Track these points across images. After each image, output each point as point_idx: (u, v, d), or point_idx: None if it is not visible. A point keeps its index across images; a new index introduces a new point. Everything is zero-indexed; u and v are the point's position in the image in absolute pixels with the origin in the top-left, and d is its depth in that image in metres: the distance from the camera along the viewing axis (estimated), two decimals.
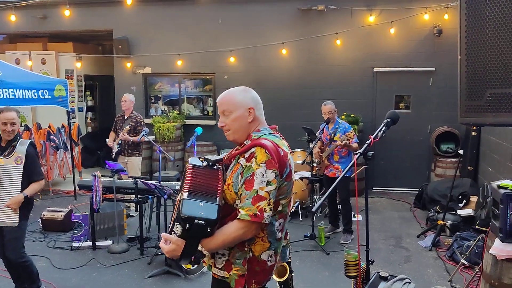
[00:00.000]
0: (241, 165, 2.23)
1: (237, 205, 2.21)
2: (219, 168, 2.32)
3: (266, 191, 2.14)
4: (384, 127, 2.99)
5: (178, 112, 10.10)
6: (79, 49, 11.31)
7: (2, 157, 4.09)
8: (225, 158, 2.37)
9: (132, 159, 7.17)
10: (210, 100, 10.13)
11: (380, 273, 3.12)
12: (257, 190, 2.14)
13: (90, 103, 12.06)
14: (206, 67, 9.84)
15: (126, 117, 7.28)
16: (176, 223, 2.13)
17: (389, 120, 3.02)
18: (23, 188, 4.12)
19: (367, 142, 2.91)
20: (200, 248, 2.17)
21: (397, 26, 8.70)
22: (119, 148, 7.16)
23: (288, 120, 9.04)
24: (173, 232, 2.16)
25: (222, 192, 2.23)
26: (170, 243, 2.16)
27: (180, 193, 2.22)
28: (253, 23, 9.44)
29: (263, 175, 2.15)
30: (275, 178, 2.16)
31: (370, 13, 8.81)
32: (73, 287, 4.85)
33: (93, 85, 12.16)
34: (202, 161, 2.32)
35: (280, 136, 2.41)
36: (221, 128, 2.39)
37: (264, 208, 2.13)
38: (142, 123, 7.23)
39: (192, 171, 2.26)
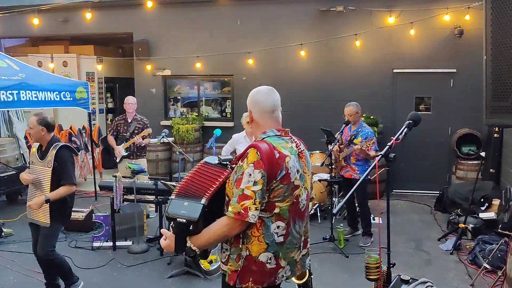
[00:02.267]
0: (238, 165, 2.36)
1: None
2: (229, 167, 2.44)
3: (252, 191, 2.23)
4: (406, 128, 2.96)
5: (197, 114, 10.16)
6: (99, 51, 11.46)
7: (40, 161, 4.32)
8: (235, 159, 2.47)
9: (140, 161, 7.15)
10: (229, 102, 10.16)
11: (401, 276, 3.09)
12: (243, 189, 2.25)
13: (110, 105, 12.22)
14: (225, 69, 9.87)
15: (130, 120, 7.18)
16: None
17: (410, 121, 2.99)
18: (52, 191, 4.24)
19: (389, 143, 2.89)
20: (188, 244, 2.30)
21: (417, 27, 8.61)
22: (127, 153, 7.09)
23: (306, 121, 9.02)
24: (171, 227, 2.37)
25: (214, 192, 2.32)
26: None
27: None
28: (271, 24, 9.44)
29: (250, 175, 2.25)
30: (261, 178, 2.24)
31: (390, 14, 8.73)
32: (94, 286, 4.91)
33: (113, 87, 12.32)
34: (215, 160, 2.47)
35: (291, 138, 2.51)
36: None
37: (249, 207, 2.22)
38: (148, 125, 7.22)
39: (199, 168, 2.43)
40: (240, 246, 2.34)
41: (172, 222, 2.30)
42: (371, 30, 8.80)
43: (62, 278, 4.58)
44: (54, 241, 4.39)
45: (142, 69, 10.27)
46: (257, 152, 2.28)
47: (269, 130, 2.47)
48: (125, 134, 7.12)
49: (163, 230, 2.41)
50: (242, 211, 2.22)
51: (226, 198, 2.40)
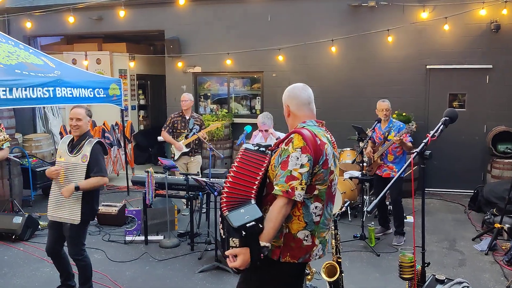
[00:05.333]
0: (281, 149, 2.54)
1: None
2: (268, 152, 2.63)
3: (299, 173, 2.43)
4: (442, 125, 2.91)
5: (227, 111, 10.21)
6: (132, 49, 11.65)
7: (71, 155, 4.24)
8: (274, 144, 2.70)
9: (198, 158, 7.18)
10: (258, 98, 10.17)
11: (436, 276, 3.03)
12: (291, 171, 2.43)
13: (142, 102, 12.41)
14: (255, 66, 9.88)
15: (188, 117, 7.16)
16: (230, 238, 2.44)
17: (447, 118, 2.94)
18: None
19: (424, 141, 2.84)
20: (262, 244, 2.38)
21: (452, 22, 8.41)
22: (188, 149, 7.03)
23: (336, 118, 8.93)
24: (231, 248, 2.45)
25: (261, 179, 2.52)
26: (236, 257, 2.43)
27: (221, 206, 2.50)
28: (302, 20, 9.39)
29: (298, 158, 2.44)
30: (308, 162, 2.44)
31: (423, 9, 8.56)
32: (127, 279, 5.01)
33: (145, 84, 12.51)
34: (253, 146, 2.66)
35: (326, 130, 2.74)
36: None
37: (296, 187, 2.41)
38: (203, 126, 7.22)
39: (242, 155, 2.61)
40: (283, 224, 2.50)
41: (242, 232, 2.36)
42: (403, 25, 8.65)
43: (83, 280, 4.40)
44: (83, 239, 4.34)
45: (173, 66, 10.39)
46: (302, 138, 2.47)
47: (309, 120, 2.70)
48: (183, 131, 7.06)
49: (228, 252, 2.46)
50: (289, 189, 2.41)
51: (267, 180, 2.59)
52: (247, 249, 2.40)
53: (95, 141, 4.30)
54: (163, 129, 7.19)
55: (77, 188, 4.12)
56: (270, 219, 2.43)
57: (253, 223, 2.35)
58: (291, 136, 2.52)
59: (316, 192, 2.55)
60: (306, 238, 2.56)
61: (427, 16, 8.55)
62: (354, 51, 9.12)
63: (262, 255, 2.41)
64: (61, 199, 4.22)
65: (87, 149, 4.22)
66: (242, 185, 2.49)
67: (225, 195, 2.48)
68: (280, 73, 9.61)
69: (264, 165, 2.57)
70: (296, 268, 2.63)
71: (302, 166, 2.43)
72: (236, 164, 2.57)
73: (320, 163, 2.52)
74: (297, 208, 2.51)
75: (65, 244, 4.41)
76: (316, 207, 2.56)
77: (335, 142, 2.77)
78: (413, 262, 2.93)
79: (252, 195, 2.46)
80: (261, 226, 2.39)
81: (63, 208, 4.23)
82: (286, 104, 2.76)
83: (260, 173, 2.52)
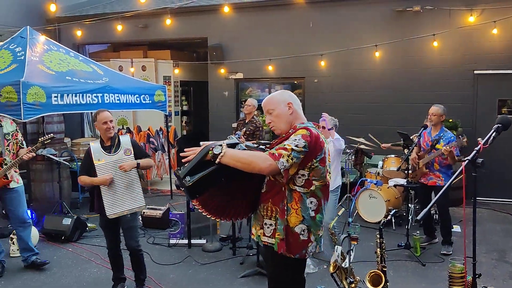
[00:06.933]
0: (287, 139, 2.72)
1: (277, 179, 2.74)
2: (266, 150, 2.76)
3: (291, 148, 2.61)
4: (495, 132, 2.83)
5: None
6: (176, 56, 11.89)
7: (111, 154, 4.45)
8: (273, 142, 2.87)
9: None
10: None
11: None
12: (285, 144, 2.65)
13: (185, 108, 12.64)
14: (296, 72, 9.88)
15: (247, 121, 7.34)
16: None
17: (500, 125, 2.86)
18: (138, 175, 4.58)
19: (476, 148, 2.77)
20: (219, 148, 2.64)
21: (501, 26, 8.14)
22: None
23: (379, 124, 8.80)
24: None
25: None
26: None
27: None
28: (345, 25, 9.33)
29: (296, 140, 2.65)
30: (303, 147, 2.63)
31: (471, 13, 8.33)
32: (171, 282, 5.09)
33: (188, 90, 12.73)
34: (254, 144, 2.93)
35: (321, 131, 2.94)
36: (268, 125, 2.95)
37: (283, 155, 2.60)
38: (261, 128, 7.30)
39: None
40: (285, 218, 2.72)
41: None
42: (450, 30, 8.43)
43: (142, 271, 4.69)
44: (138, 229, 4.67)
45: (215, 73, 10.53)
46: (307, 131, 2.70)
47: (307, 122, 2.88)
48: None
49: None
50: (276, 153, 2.61)
51: (267, 178, 2.82)
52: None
53: (125, 135, 4.74)
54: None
55: (138, 165, 4.47)
56: (245, 151, 2.71)
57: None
58: (297, 129, 2.75)
59: (312, 188, 2.74)
60: (302, 233, 2.74)
61: (474, 20, 8.32)
62: (398, 56, 8.98)
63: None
64: (120, 194, 4.43)
65: (125, 142, 4.52)
66: None
67: None
68: (322, 79, 9.57)
69: None
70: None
71: (296, 146, 2.62)
72: None
73: (318, 159, 2.71)
74: (294, 201, 2.72)
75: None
76: (311, 202, 2.74)
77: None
78: (463, 273, 2.85)
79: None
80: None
81: (125, 200, 4.46)
82: (289, 102, 2.88)
83: None
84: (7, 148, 5.21)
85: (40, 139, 5.13)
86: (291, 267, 2.81)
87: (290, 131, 2.80)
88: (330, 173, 2.87)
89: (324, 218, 2.84)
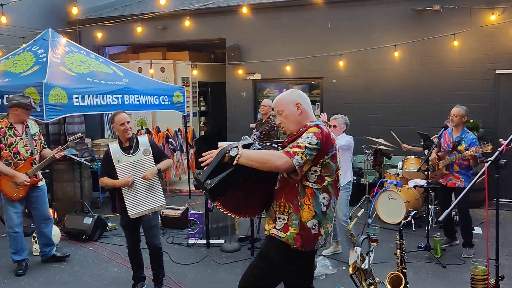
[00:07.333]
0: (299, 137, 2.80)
1: (291, 177, 2.80)
2: (279, 148, 2.87)
3: (305, 146, 2.70)
4: None
5: None
6: (194, 57, 11.97)
7: (130, 155, 4.53)
8: (285, 141, 2.94)
9: None
10: (317, 104, 10.12)
11: None
12: (298, 142, 2.73)
13: (203, 108, 12.71)
14: (314, 72, 9.85)
15: (263, 121, 7.44)
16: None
17: None
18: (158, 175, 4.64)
19: (499, 149, 2.74)
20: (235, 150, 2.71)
21: None
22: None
23: (399, 125, 8.71)
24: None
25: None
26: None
27: None
28: (363, 25, 9.27)
29: (308, 137, 2.74)
30: (315, 144, 2.72)
31: (492, 12, 8.20)
32: (190, 281, 5.13)
33: (206, 91, 12.80)
34: (265, 143, 3.00)
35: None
36: (279, 125, 3.06)
37: (297, 153, 2.68)
38: (276, 128, 7.35)
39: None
40: (299, 213, 2.81)
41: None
42: (470, 29, 8.31)
43: (161, 270, 4.76)
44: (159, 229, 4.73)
45: (233, 74, 10.56)
46: (318, 129, 2.77)
47: (317, 120, 2.95)
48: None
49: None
50: (291, 151, 2.69)
51: (280, 175, 2.91)
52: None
53: (144, 135, 4.79)
54: None
55: (159, 170, 4.55)
56: (261, 151, 2.79)
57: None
58: (309, 127, 2.82)
59: (325, 184, 2.84)
60: (314, 227, 2.83)
61: (495, 19, 8.18)
62: (418, 56, 8.88)
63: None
64: (141, 194, 4.50)
65: (143, 142, 4.59)
66: None
67: None
68: (340, 79, 9.52)
69: None
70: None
71: (309, 143, 2.71)
72: None
73: (330, 155, 2.81)
74: (307, 197, 2.81)
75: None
76: (324, 198, 2.85)
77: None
78: (486, 275, 2.82)
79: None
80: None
81: (146, 200, 4.53)
82: (298, 102, 2.94)
83: None
84: (35, 148, 5.36)
85: (69, 138, 5.28)
86: (297, 259, 2.91)
87: (301, 129, 2.88)
88: (340, 169, 2.96)
89: (338, 214, 2.93)
